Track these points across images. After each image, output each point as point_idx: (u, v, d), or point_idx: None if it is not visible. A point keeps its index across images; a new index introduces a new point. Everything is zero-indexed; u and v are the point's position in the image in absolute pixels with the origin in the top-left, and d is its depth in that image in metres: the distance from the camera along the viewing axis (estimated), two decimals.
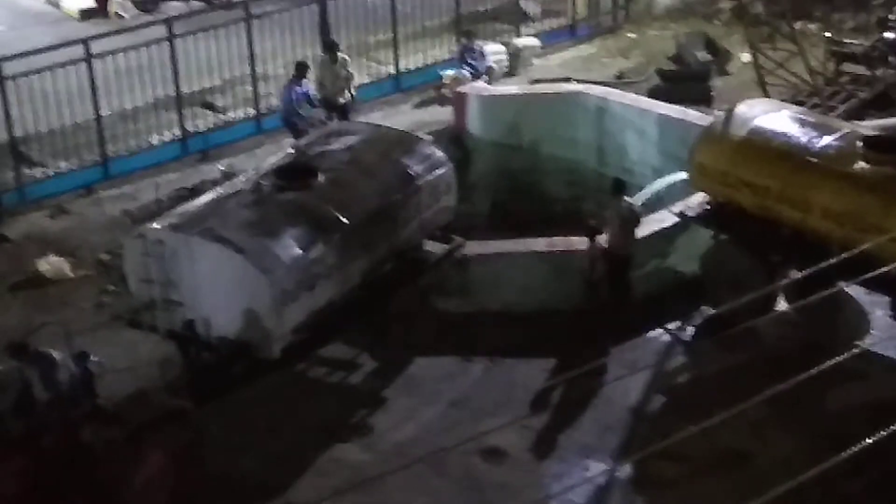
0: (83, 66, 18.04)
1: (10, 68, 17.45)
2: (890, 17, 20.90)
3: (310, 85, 18.55)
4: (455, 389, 13.82)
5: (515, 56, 22.20)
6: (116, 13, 26.22)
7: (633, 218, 14.60)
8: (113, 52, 18.55)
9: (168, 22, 19.48)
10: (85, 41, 18.32)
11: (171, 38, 18.92)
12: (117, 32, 20.52)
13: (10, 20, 26.07)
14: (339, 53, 19.15)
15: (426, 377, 14.03)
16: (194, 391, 12.68)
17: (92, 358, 11.72)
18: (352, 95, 18.89)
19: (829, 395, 12.71)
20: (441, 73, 21.26)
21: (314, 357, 14.04)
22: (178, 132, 19.29)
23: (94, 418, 11.47)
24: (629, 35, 23.92)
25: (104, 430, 11.42)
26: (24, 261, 15.94)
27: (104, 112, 18.54)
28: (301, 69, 18.47)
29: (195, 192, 16.21)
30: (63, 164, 18.43)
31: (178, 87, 19.19)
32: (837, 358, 7.36)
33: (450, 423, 13.13)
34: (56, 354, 11.52)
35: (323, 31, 20.65)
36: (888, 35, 20.64)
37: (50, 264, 15.76)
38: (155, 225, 13.16)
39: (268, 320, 12.41)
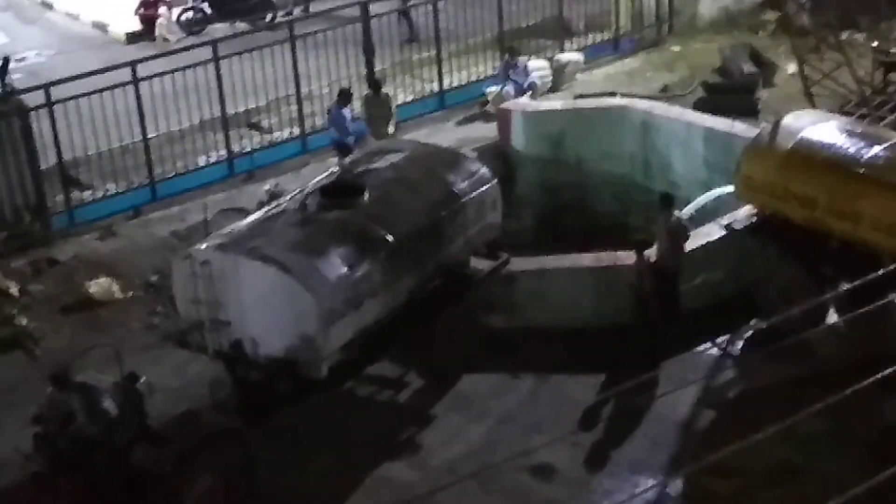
0: (130, 89, 18.21)
1: (59, 92, 17.65)
2: None
3: (351, 113, 18.74)
4: (503, 406, 13.78)
5: (559, 71, 22.16)
6: (162, 36, 26.49)
7: (681, 231, 14.53)
8: (159, 75, 18.72)
9: (213, 44, 19.63)
10: (132, 64, 18.50)
11: (216, 59, 19.07)
12: (163, 55, 20.73)
13: (59, 45, 26.43)
14: (382, 90, 19.32)
15: (474, 394, 14.01)
16: (243, 411, 12.73)
17: (141, 379, 11.79)
18: (393, 132, 19.01)
19: (882, 409, 12.56)
20: (485, 89, 21.29)
21: (362, 375, 14.05)
22: (224, 153, 19.43)
23: (144, 440, 11.52)
24: (673, 48, 23.83)
25: (154, 451, 11.48)
26: (74, 283, 16.08)
27: (151, 134, 18.72)
28: (345, 96, 18.63)
29: (242, 212, 16.29)
30: (111, 187, 18.60)
31: (223, 108, 19.32)
32: (889, 370, 7.28)
33: (498, 439, 13.10)
34: (100, 382, 11.57)
35: (367, 50, 20.74)
36: None
37: (99, 286, 15.88)
38: (202, 245, 13.23)
39: (315, 339, 12.42)
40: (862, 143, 14.06)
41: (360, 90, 19.91)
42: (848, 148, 14.04)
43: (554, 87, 21.95)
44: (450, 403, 13.86)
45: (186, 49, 21.03)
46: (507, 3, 22.28)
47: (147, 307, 15.54)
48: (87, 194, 18.44)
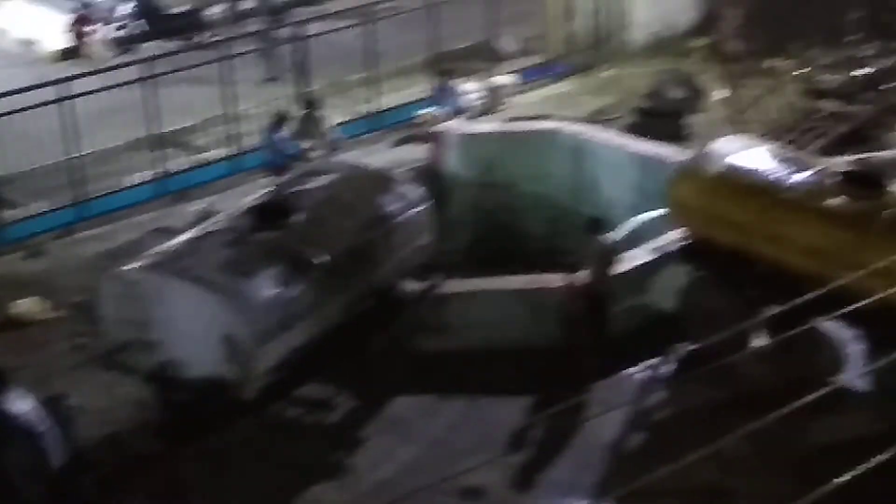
0: (60, 106, 18.01)
1: None
2: (863, 53, 21.08)
3: (287, 135, 18.71)
4: (434, 428, 13.76)
5: (492, 94, 22.28)
6: (94, 54, 26.25)
7: (611, 255, 14.62)
8: (90, 93, 18.54)
9: (144, 62, 19.49)
10: (62, 81, 18.31)
11: (147, 78, 18.93)
12: (94, 73, 20.54)
13: None
14: (317, 112, 19.33)
15: (404, 416, 13.97)
16: (170, 433, 12.60)
17: (68, 401, 11.63)
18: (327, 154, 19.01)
19: (807, 431, 12.71)
20: (418, 111, 21.32)
21: (291, 397, 13.96)
22: (155, 172, 19.26)
23: (70, 465, 11.36)
24: (605, 73, 24.05)
25: (80, 475, 11.33)
26: (0, 303, 15.85)
27: (81, 153, 18.51)
28: (280, 117, 18.63)
29: (172, 232, 16.16)
30: (39, 205, 18.36)
31: (155, 127, 19.17)
32: (814, 393, 7.36)
33: (429, 462, 13.07)
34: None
35: (301, 71, 20.70)
36: (861, 71, 20.81)
37: (26, 306, 15.66)
38: (131, 265, 13.11)
39: (244, 360, 12.34)
40: (790, 169, 14.25)
41: (294, 110, 19.85)
42: (776, 173, 14.23)
43: (487, 110, 22.05)
44: (380, 426, 13.82)
45: (118, 67, 20.87)
46: (441, 26, 22.35)
47: (74, 327, 15.34)
48: (14, 213, 18.18)
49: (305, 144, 18.85)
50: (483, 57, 23.74)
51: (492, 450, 12.94)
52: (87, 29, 26.69)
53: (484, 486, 12.51)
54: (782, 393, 7.72)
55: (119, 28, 26.99)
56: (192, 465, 12.35)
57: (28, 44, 27.16)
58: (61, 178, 18.59)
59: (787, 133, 19.67)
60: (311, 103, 19.60)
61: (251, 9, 27.97)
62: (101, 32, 26.81)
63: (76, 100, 18.19)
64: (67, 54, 26.36)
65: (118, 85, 18.85)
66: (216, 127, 20.53)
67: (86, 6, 27.36)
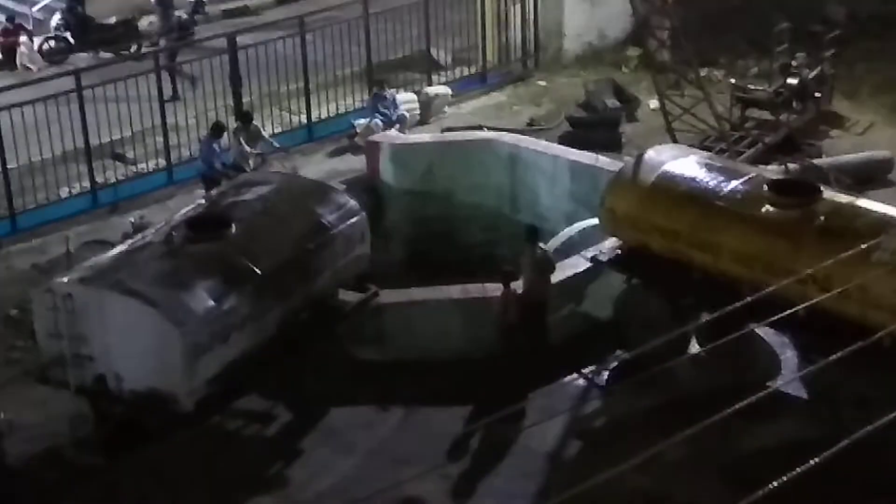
0: None
1: None
2: (793, 63, 21.36)
3: (223, 145, 18.63)
4: (372, 439, 13.75)
5: (427, 104, 22.30)
6: (24, 65, 25.93)
7: (547, 264, 14.71)
8: (20, 104, 18.33)
9: (76, 73, 19.31)
10: None
11: (79, 89, 18.74)
12: (24, 84, 20.31)
13: None
14: (253, 123, 19.26)
15: (343, 427, 13.95)
16: (106, 447, 12.49)
17: (1, 416, 11.50)
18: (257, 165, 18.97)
19: (742, 436, 12.86)
20: (353, 121, 21.29)
21: (229, 409, 13.90)
22: (87, 184, 19.07)
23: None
24: (539, 83, 24.17)
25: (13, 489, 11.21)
26: None
27: (11, 165, 18.27)
28: (217, 128, 18.55)
29: (106, 244, 16.02)
30: None
31: (87, 138, 18.98)
32: (748, 399, 7.44)
33: (368, 473, 13.06)
34: None
35: (234, 82, 20.61)
36: (791, 81, 21.09)
37: None
38: (64, 279, 12.98)
39: (181, 373, 12.27)
40: (721, 177, 14.42)
41: (228, 121, 19.76)
42: (708, 182, 14.39)
43: (422, 120, 22.07)
44: (318, 437, 13.79)
45: (49, 79, 20.65)
46: (374, 36, 22.35)
47: (6, 342, 15.14)
48: None
49: (240, 155, 18.77)
50: (417, 67, 23.78)
51: (430, 459, 12.96)
52: (15, 40, 26.35)
53: (423, 497, 12.53)
54: (717, 399, 7.79)
55: (48, 39, 26.69)
56: (130, 478, 12.24)
57: None
58: None
59: (719, 142, 19.88)
60: (245, 114, 19.52)
61: (184, 20, 27.74)
62: (30, 44, 26.48)
63: (5, 112, 17.96)
64: None
65: (49, 97, 18.63)
66: (150, 138, 20.36)
67: (14, 17, 27.03)
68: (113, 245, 14.83)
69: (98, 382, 12.54)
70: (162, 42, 25.51)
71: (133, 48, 26.64)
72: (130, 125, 20.03)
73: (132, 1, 27.82)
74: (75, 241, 17.33)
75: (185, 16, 26.54)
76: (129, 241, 14.10)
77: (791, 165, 18.62)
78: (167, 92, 21.31)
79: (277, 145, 19.04)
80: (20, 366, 14.38)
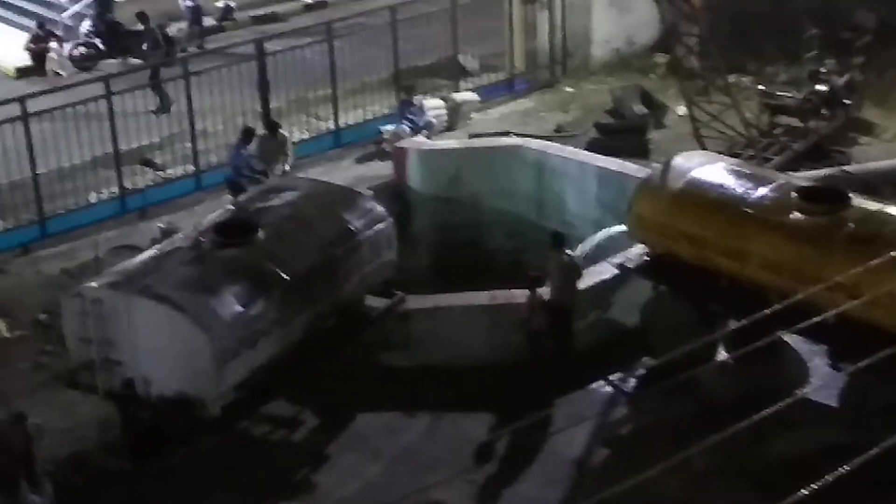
0: (20, 124, 17.90)
1: None
2: (821, 69, 21.26)
3: (252, 152, 18.68)
4: (398, 445, 13.76)
5: (454, 110, 22.31)
6: (54, 71, 26.09)
7: (574, 270, 14.69)
8: (50, 110, 18.45)
9: (105, 79, 19.41)
10: (22, 99, 18.20)
11: (108, 95, 18.85)
12: (54, 90, 20.43)
13: None
14: (279, 131, 19.29)
15: (369, 433, 13.96)
16: (134, 452, 12.53)
17: (30, 420, 11.56)
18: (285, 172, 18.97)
19: (769, 444, 12.79)
20: (381, 128, 21.33)
21: (256, 415, 13.93)
22: (116, 190, 19.17)
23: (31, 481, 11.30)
24: (567, 89, 24.14)
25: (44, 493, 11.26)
26: None
27: (41, 170, 18.38)
28: (247, 135, 18.60)
29: (134, 250, 16.09)
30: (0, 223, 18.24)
31: (116, 144, 19.08)
32: (776, 406, 7.42)
33: (394, 478, 13.07)
34: None
35: (262, 88, 20.67)
36: (820, 88, 20.99)
37: None
38: (93, 283, 13.04)
39: (208, 378, 12.31)
40: (749, 184, 14.36)
41: (257, 127, 19.81)
42: (736, 189, 14.34)
43: (449, 127, 22.08)
44: (345, 442, 13.80)
45: (78, 84, 20.77)
46: (402, 43, 22.39)
47: (35, 346, 15.22)
48: None
49: (268, 162, 18.81)
50: (445, 74, 23.79)
51: (456, 465, 12.96)
52: (46, 46, 26.52)
53: (448, 502, 12.52)
54: (745, 406, 7.77)
55: (78, 45, 26.83)
56: (157, 483, 12.28)
57: None
58: (22, 196, 18.46)
59: (748, 149, 19.81)
60: (272, 124, 19.53)
61: (212, 26, 27.88)
62: (60, 50, 26.65)
63: (36, 117, 18.08)
64: (27, 72, 26.17)
65: (79, 102, 18.74)
66: (178, 144, 20.44)
67: (45, 24, 27.20)
68: (141, 250, 14.89)
69: (126, 387, 12.59)
70: (191, 48, 25.61)
71: (161, 54, 26.75)
72: (159, 131, 20.13)
73: (162, 7, 27.92)
74: (104, 246, 17.42)
75: (213, 22, 26.65)
76: (158, 247, 14.15)
77: (833, 171, 18.45)
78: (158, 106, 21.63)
79: (287, 168, 18.96)
80: (49, 370, 14.46)
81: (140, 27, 25.70)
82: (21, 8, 28.64)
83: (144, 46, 24.82)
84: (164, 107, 21.92)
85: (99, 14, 27.27)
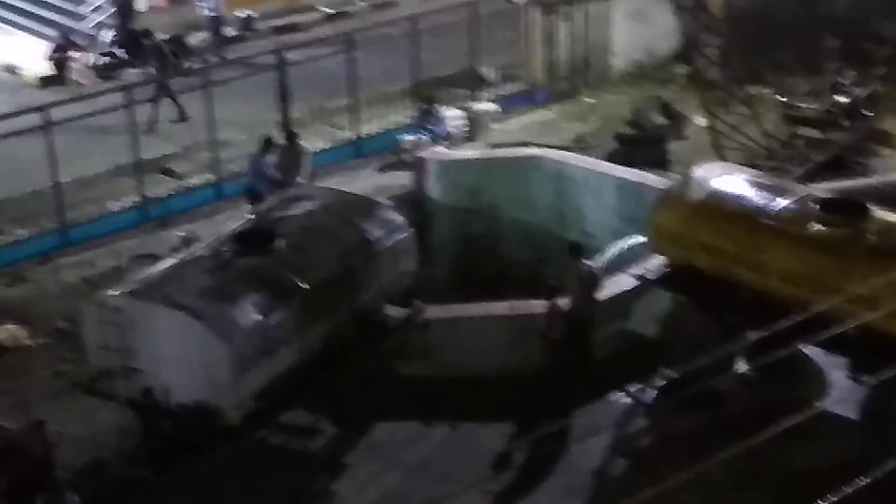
0: (42, 133, 18.00)
1: None
2: (843, 81, 21.22)
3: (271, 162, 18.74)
4: (417, 454, 13.75)
5: (474, 121, 22.34)
6: (76, 80, 26.23)
7: (593, 281, 14.67)
8: (72, 119, 18.54)
9: (127, 88, 19.50)
10: (44, 108, 18.30)
11: (130, 104, 18.93)
12: (76, 99, 20.53)
13: None
14: (298, 141, 19.35)
15: (388, 442, 13.96)
16: (153, 460, 12.56)
17: (49, 427, 11.60)
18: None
19: (789, 455, 12.74)
20: (401, 137, 21.37)
21: (275, 423, 13.94)
22: (137, 198, 19.25)
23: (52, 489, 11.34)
24: (586, 100, 24.15)
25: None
26: None
27: (63, 179, 18.48)
28: (268, 144, 18.66)
29: (155, 258, 16.15)
30: (21, 232, 18.32)
31: (137, 153, 19.16)
32: (796, 418, 7.40)
33: (412, 488, 13.06)
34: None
35: (283, 98, 20.74)
36: (841, 99, 20.94)
37: (7, 332, 15.60)
38: (113, 292, 13.09)
39: (227, 387, 12.34)
40: (770, 196, 14.33)
41: (278, 137, 19.88)
42: (756, 200, 14.30)
43: (470, 137, 22.11)
44: (363, 452, 13.80)
45: (100, 94, 20.87)
46: (422, 53, 22.44)
47: (56, 354, 15.28)
48: None
49: (288, 172, 18.85)
50: (465, 84, 23.83)
51: (475, 475, 12.94)
52: (68, 56, 26.66)
53: None
54: (764, 417, 7.75)
55: (100, 55, 26.97)
56: (176, 491, 12.30)
57: (11, 70, 27.11)
58: (43, 205, 18.55)
59: (768, 160, 19.76)
60: (291, 134, 19.57)
61: (233, 36, 27.98)
62: (82, 59, 26.79)
63: (58, 126, 18.18)
64: (49, 81, 26.31)
65: (101, 112, 18.83)
66: (198, 153, 20.53)
67: (67, 34, 27.36)
68: (162, 259, 14.94)
69: (146, 395, 12.63)
70: (212, 58, 25.72)
71: (182, 64, 26.87)
72: (180, 140, 20.21)
73: (183, 18, 28.06)
74: (125, 254, 17.49)
75: (234, 32, 26.76)
76: (178, 255, 14.20)
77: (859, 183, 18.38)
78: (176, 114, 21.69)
79: (301, 181, 18.99)
80: (69, 378, 14.51)
81: (163, 37, 25.80)
82: (43, 18, 28.78)
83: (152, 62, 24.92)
84: (181, 115, 22.03)
85: (121, 24, 27.42)
